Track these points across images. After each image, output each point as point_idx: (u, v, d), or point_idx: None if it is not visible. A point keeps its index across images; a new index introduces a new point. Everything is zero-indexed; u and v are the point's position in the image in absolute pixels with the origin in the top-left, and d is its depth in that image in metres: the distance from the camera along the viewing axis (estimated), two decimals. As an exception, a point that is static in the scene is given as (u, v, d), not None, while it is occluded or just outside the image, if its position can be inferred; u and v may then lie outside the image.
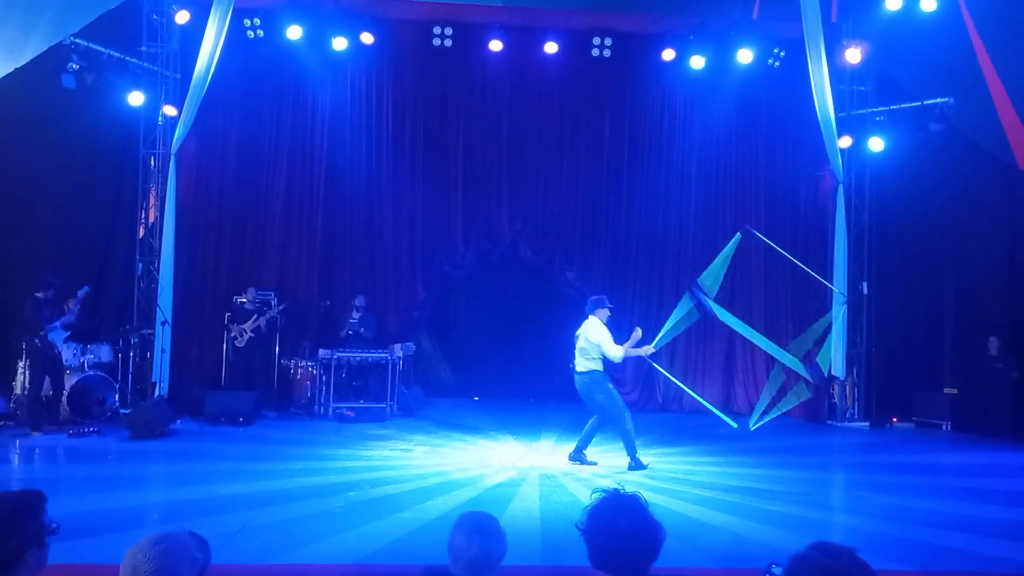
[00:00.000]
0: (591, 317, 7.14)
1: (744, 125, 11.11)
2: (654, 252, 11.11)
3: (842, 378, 10.33)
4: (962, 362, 10.30)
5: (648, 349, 7.11)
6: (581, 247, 11.06)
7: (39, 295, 8.23)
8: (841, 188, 10.29)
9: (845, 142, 10.17)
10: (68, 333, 8.49)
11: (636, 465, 7.02)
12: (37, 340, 8.16)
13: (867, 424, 10.30)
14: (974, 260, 10.15)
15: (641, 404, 10.89)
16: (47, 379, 8.35)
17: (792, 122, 10.80)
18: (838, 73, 10.09)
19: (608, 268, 11.08)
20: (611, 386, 7.15)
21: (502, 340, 11.55)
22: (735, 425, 7.71)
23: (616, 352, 6.97)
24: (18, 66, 9.61)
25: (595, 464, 7.19)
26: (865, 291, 10.46)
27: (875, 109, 10.24)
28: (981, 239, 10.08)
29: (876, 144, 10.14)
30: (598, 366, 7.04)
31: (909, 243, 10.45)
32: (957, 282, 10.44)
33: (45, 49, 9.48)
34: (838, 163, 10.13)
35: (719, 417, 7.69)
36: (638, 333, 7.01)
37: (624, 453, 7.12)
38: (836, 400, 10.47)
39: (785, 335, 10.89)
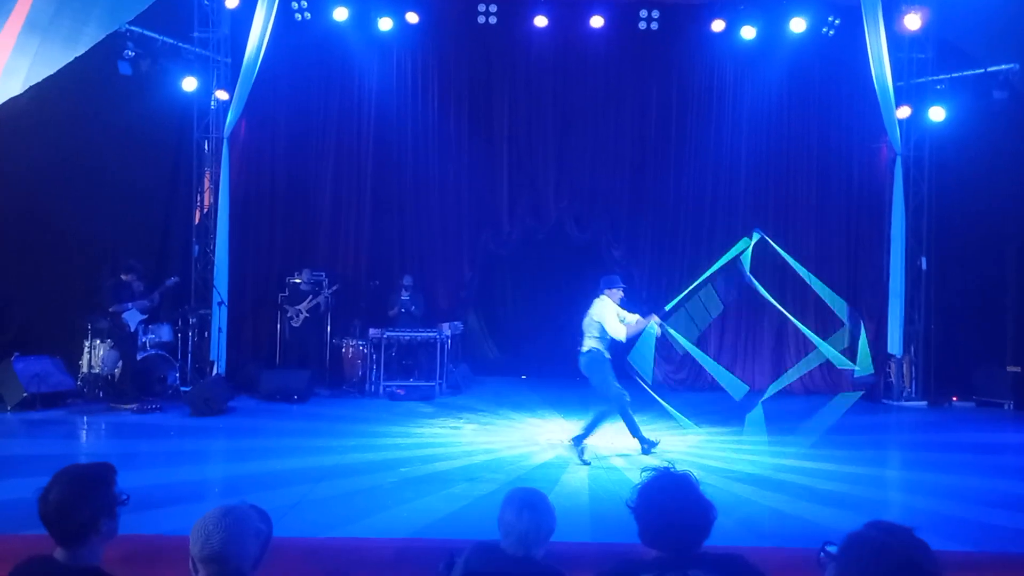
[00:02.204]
0: (602, 296, 6.81)
1: (797, 96, 10.80)
2: (702, 229, 10.94)
3: (899, 356, 10.06)
4: (1027, 338, 9.93)
5: (651, 320, 6.71)
6: (628, 225, 10.96)
7: (123, 277, 8.63)
8: (899, 160, 9.97)
9: (904, 112, 9.82)
10: (145, 316, 8.84)
11: (647, 447, 6.73)
12: (107, 319, 8.54)
13: (925, 403, 10.02)
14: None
15: (691, 382, 10.80)
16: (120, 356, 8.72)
17: (847, 93, 10.47)
18: (896, 40, 9.73)
19: (655, 246, 10.96)
20: (609, 368, 6.75)
21: (548, 319, 11.53)
22: (744, 391, 7.10)
23: (617, 330, 6.60)
24: (76, 55, 9.90)
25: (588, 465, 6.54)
26: (924, 266, 10.13)
27: (935, 77, 9.84)
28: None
29: (936, 114, 9.76)
30: (598, 344, 6.71)
31: (970, 216, 10.06)
32: (1019, 256, 10.04)
33: (101, 38, 9.73)
34: (896, 134, 9.80)
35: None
36: (654, 318, 6.71)
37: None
38: (893, 379, 10.19)
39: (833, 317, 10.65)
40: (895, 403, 10.04)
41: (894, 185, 10.01)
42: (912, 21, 9.75)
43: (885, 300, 10.07)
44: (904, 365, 10.18)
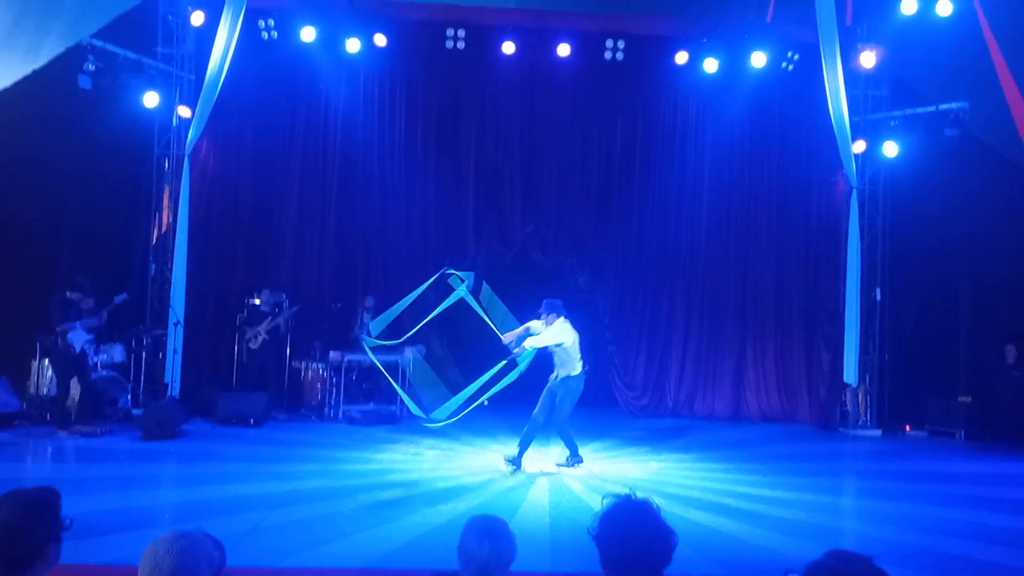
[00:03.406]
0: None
1: (757, 128, 11.05)
2: (666, 255, 11.08)
3: (854, 385, 10.25)
4: (977, 370, 10.20)
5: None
6: (593, 251, 11.04)
7: (68, 295, 8.34)
8: (855, 193, 10.23)
9: (859, 146, 10.11)
10: (91, 336, 8.55)
11: (516, 464, 7.19)
12: (53, 338, 8.25)
13: (879, 432, 10.20)
14: (990, 267, 10.05)
15: (652, 408, 10.85)
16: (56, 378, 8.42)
17: (806, 126, 10.74)
18: (853, 77, 10.03)
19: (620, 271, 11.05)
20: (548, 387, 7.30)
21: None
22: (423, 415, 7.46)
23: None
24: (36, 68, 9.70)
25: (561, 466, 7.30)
26: (879, 297, 10.37)
27: (890, 113, 10.18)
28: (997, 246, 9.97)
29: (890, 149, 10.07)
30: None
31: (923, 249, 10.36)
32: (972, 289, 10.35)
33: (62, 51, 9.56)
34: (852, 168, 10.07)
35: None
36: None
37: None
38: (848, 407, 10.37)
39: (797, 336, 10.84)
40: (850, 431, 10.21)
41: (850, 217, 10.27)
42: (867, 59, 10.10)
43: (841, 332, 10.27)
44: (859, 394, 10.37)
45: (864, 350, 10.31)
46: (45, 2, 10.49)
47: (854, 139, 9.94)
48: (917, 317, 10.50)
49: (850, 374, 10.11)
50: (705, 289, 11.05)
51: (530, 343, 7.20)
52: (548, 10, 10.85)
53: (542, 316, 7.36)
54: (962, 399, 10.07)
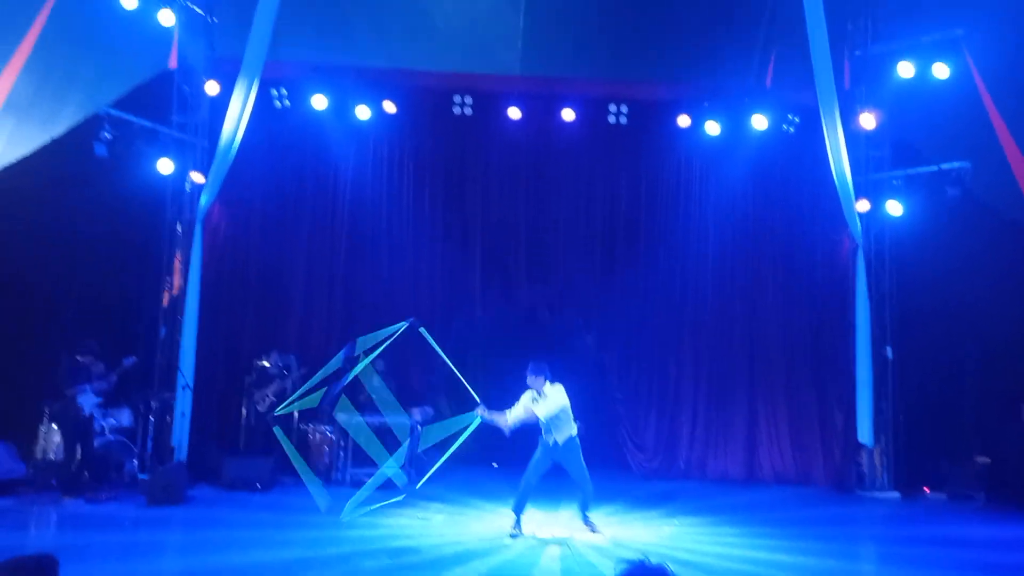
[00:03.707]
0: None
1: (761, 188, 11.17)
2: (672, 314, 11.07)
3: (870, 445, 10.07)
4: (992, 430, 10.01)
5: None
6: (599, 310, 11.05)
7: (78, 358, 8.37)
8: (860, 252, 10.26)
9: (863, 206, 10.19)
10: (100, 399, 8.55)
11: (517, 528, 7.07)
12: (62, 403, 8.24)
13: (898, 495, 9.94)
14: (998, 326, 9.96)
15: (663, 471, 10.67)
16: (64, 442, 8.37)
17: (809, 186, 10.85)
18: (853, 138, 10.18)
19: (627, 331, 11.02)
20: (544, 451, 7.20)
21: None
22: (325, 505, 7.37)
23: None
24: (54, 136, 9.96)
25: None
26: (890, 356, 10.29)
27: (892, 173, 10.28)
28: (1004, 305, 9.93)
29: (894, 208, 10.15)
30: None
31: (932, 307, 10.31)
32: (982, 348, 10.25)
33: (80, 120, 9.82)
34: (856, 227, 10.14)
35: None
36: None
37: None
38: (864, 469, 10.14)
39: (808, 395, 10.73)
40: (868, 494, 9.98)
41: (857, 276, 10.28)
42: (867, 121, 10.27)
43: (853, 389, 10.16)
44: (875, 455, 10.18)
45: (878, 410, 10.17)
46: (64, 72, 10.85)
47: (857, 199, 10.02)
48: (929, 376, 10.38)
49: (864, 434, 9.95)
50: (713, 347, 11.00)
51: (540, 412, 7.01)
52: (552, 77, 11.13)
53: (531, 381, 7.18)
54: (980, 460, 9.85)
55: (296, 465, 7.79)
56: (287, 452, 7.81)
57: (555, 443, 7.11)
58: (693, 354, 10.99)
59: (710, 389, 10.88)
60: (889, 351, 10.29)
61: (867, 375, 10.06)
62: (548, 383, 7.15)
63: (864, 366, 10.07)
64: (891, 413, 10.28)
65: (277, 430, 7.93)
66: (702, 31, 11.49)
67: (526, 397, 7.21)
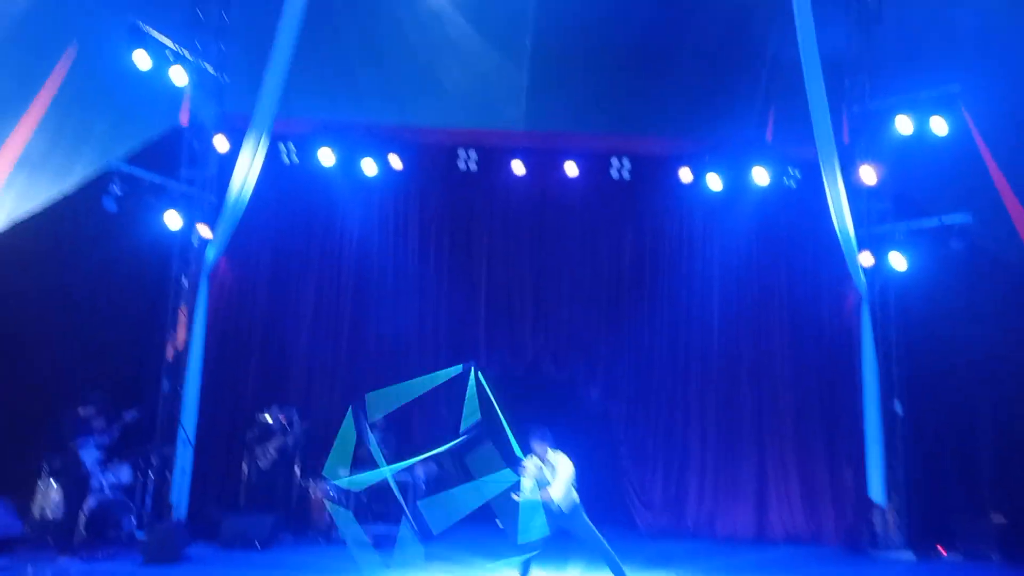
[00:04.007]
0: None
1: (764, 242, 11.20)
2: (678, 367, 10.99)
3: (881, 503, 9.85)
4: (1010, 487, 9.79)
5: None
6: (605, 364, 10.98)
7: (79, 412, 8.32)
8: (865, 305, 10.21)
9: (866, 259, 10.19)
10: (102, 454, 8.48)
11: None
12: (62, 457, 8.16)
13: (912, 554, 9.65)
14: (1009, 379, 9.86)
15: (671, 530, 10.44)
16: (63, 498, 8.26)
17: (812, 239, 10.88)
18: (855, 191, 10.23)
19: (633, 383, 10.94)
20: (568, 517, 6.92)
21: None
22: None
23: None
24: (64, 191, 10.09)
25: None
26: (899, 411, 10.14)
27: (894, 226, 10.27)
28: (1017, 356, 9.83)
29: (898, 261, 10.13)
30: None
31: (941, 361, 10.21)
32: (996, 401, 10.09)
33: (91, 175, 9.96)
34: (860, 280, 10.12)
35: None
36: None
37: None
38: (877, 528, 9.89)
39: (818, 451, 10.57)
40: (881, 553, 9.71)
41: (862, 330, 10.21)
42: (868, 175, 10.33)
43: (863, 445, 10.00)
44: (888, 513, 9.94)
45: (889, 466, 9.98)
46: (77, 129, 11.06)
47: (860, 251, 10.03)
48: (940, 432, 10.21)
49: (876, 492, 9.75)
50: (720, 401, 10.89)
51: (557, 493, 6.78)
52: (555, 132, 11.31)
53: (537, 447, 7.01)
54: (996, 518, 9.60)
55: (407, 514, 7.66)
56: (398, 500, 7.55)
57: (559, 510, 6.89)
58: (700, 407, 10.87)
59: (718, 444, 10.72)
60: (898, 406, 10.14)
61: (876, 431, 9.91)
62: (551, 449, 7.00)
63: (873, 422, 9.94)
64: (902, 470, 10.07)
65: (389, 477, 7.50)
66: (702, 86, 11.70)
67: (531, 466, 6.94)
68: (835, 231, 9.85)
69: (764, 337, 11.01)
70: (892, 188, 10.60)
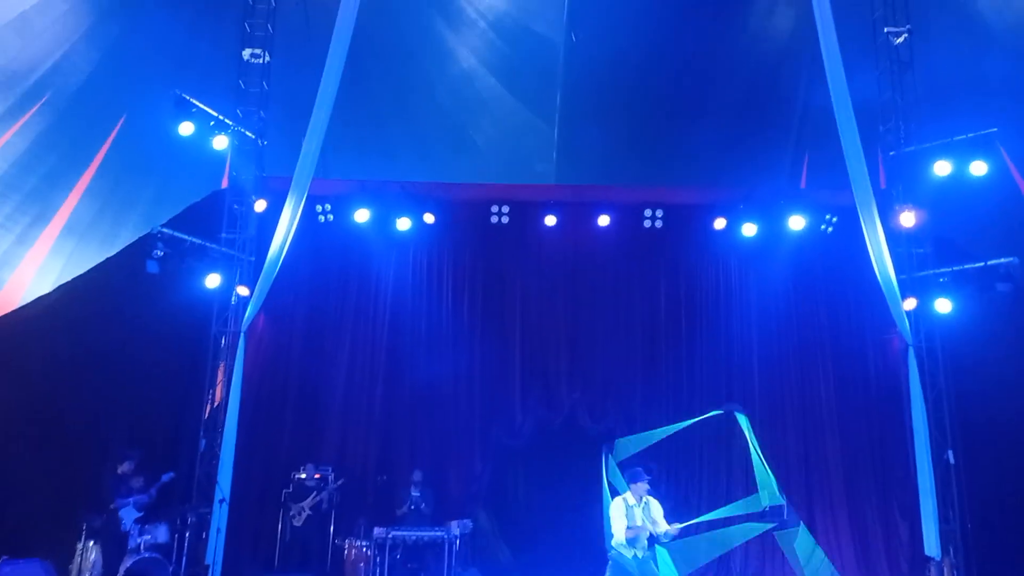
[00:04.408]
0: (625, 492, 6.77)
1: (803, 289, 11.00)
2: (719, 421, 10.71)
3: (938, 558, 9.36)
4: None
5: (673, 527, 6.63)
6: (642, 416, 10.74)
7: (118, 471, 8.41)
8: (912, 351, 9.90)
9: (910, 304, 9.92)
10: (141, 514, 8.53)
11: None
12: (103, 517, 8.22)
13: (973, 611, 9.17)
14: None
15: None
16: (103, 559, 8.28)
17: (852, 285, 10.66)
18: (894, 236, 10.04)
19: (671, 440, 10.66)
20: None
21: (564, 516, 10.98)
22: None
23: (619, 532, 6.50)
24: (109, 256, 10.42)
25: None
26: (952, 460, 9.72)
27: (937, 271, 10.02)
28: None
29: (943, 306, 9.84)
30: (615, 549, 6.59)
31: (994, 407, 9.80)
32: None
33: (135, 239, 10.29)
34: (905, 326, 9.84)
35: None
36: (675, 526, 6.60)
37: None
38: (935, 584, 9.40)
39: (869, 504, 10.15)
40: (941, 612, 9.21)
41: (910, 377, 9.89)
42: (907, 219, 10.12)
43: (916, 497, 9.58)
44: (944, 568, 9.44)
45: (944, 519, 9.52)
46: (124, 196, 11.52)
47: (903, 297, 9.78)
48: (997, 481, 9.73)
49: (931, 546, 9.27)
50: (765, 452, 10.49)
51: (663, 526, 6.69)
52: (587, 185, 11.39)
53: (636, 488, 6.80)
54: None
55: None
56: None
57: (644, 556, 6.60)
58: (743, 459, 10.50)
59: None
60: (951, 455, 9.72)
61: (929, 482, 9.49)
62: (647, 494, 6.78)
63: (925, 472, 9.52)
64: (959, 523, 9.59)
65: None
66: (733, 135, 11.76)
67: (618, 509, 6.67)
68: (875, 277, 9.64)
69: (808, 385, 10.73)
70: (932, 232, 10.38)
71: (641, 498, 6.77)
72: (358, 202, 10.65)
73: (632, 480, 6.76)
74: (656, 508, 6.82)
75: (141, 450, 8.79)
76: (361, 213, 10.64)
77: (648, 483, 6.83)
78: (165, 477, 8.77)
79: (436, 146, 12.55)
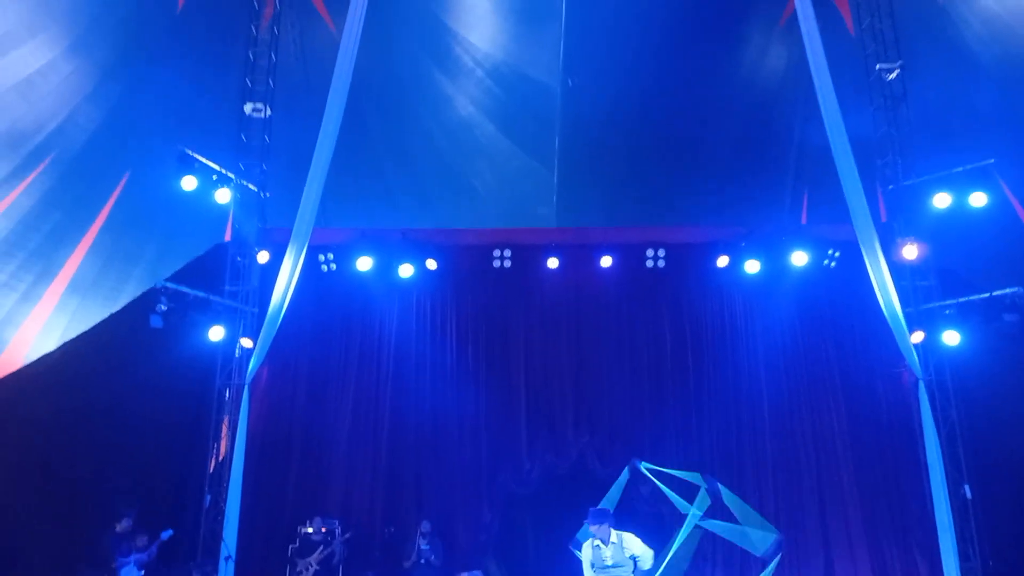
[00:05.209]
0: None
1: (809, 324, 10.95)
2: (731, 458, 10.57)
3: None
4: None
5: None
6: (652, 459, 10.56)
7: (116, 529, 8.30)
8: (922, 385, 9.80)
9: (917, 337, 9.84)
10: (142, 572, 8.39)
11: None
12: (105, 574, 8.08)
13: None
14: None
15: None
16: None
17: (859, 319, 10.61)
18: (897, 269, 10.01)
19: (682, 480, 10.51)
20: None
21: (575, 567, 10.75)
22: None
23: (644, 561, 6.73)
24: (113, 311, 10.42)
25: None
26: (968, 495, 9.54)
27: (942, 303, 9.97)
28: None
29: (951, 338, 9.75)
30: None
31: (1009, 438, 9.66)
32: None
33: (138, 294, 10.30)
34: (914, 359, 9.75)
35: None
36: None
37: None
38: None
39: (887, 542, 9.94)
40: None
41: (922, 411, 9.76)
42: (909, 252, 10.09)
43: (934, 535, 9.38)
44: (968, 608, 9.21)
45: (963, 556, 9.31)
46: (128, 252, 11.53)
47: (910, 330, 9.71)
48: (1014, 515, 9.54)
49: (953, 586, 9.07)
50: (778, 493, 10.40)
51: (643, 553, 6.74)
52: (588, 227, 11.42)
53: (596, 530, 6.85)
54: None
55: None
56: None
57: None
58: (757, 497, 10.36)
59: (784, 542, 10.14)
60: (967, 490, 9.54)
61: (947, 517, 9.29)
62: (613, 530, 6.80)
63: (942, 507, 9.33)
64: (979, 559, 9.38)
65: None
66: (731, 174, 11.83)
67: (630, 538, 6.82)
68: (881, 310, 9.59)
69: (819, 422, 10.61)
70: (935, 264, 10.35)
71: (608, 538, 6.73)
72: (360, 250, 10.69)
73: (592, 522, 6.81)
74: (631, 540, 6.79)
75: (138, 507, 8.66)
76: (363, 261, 10.67)
77: (611, 521, 6.85)
78: (164, 535, 8.64)
79: (436, 193, 12.63)
